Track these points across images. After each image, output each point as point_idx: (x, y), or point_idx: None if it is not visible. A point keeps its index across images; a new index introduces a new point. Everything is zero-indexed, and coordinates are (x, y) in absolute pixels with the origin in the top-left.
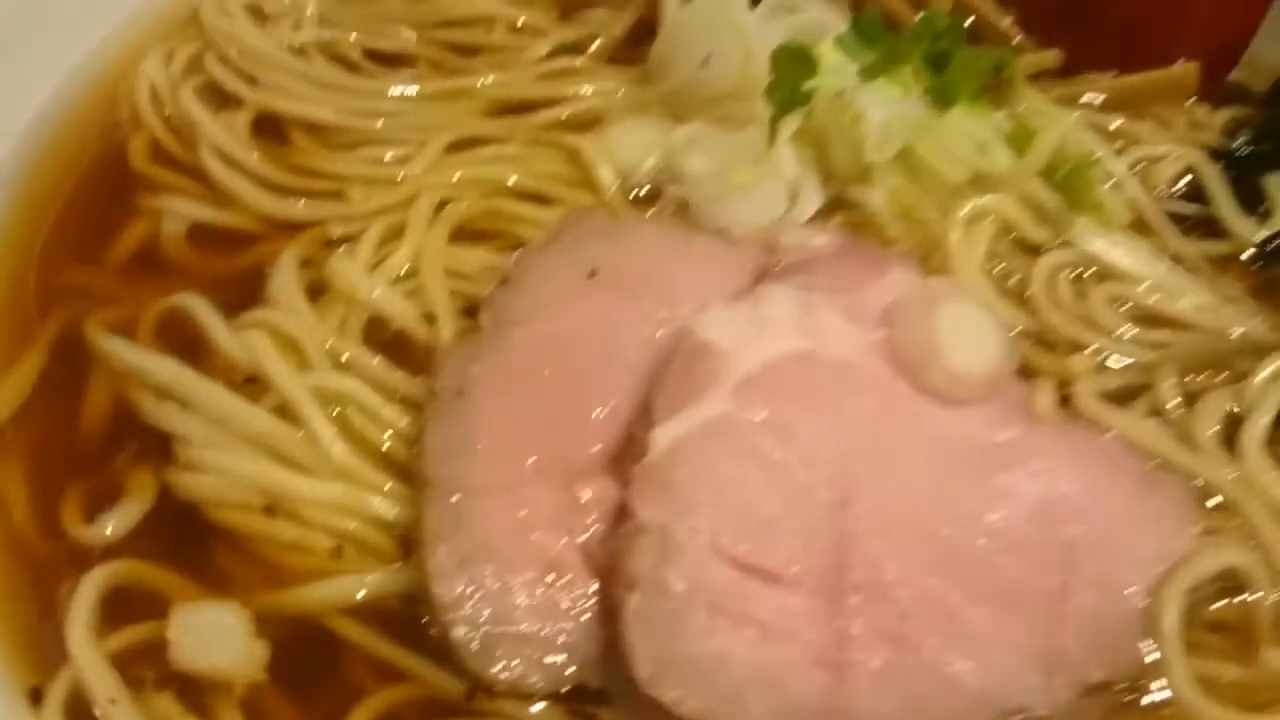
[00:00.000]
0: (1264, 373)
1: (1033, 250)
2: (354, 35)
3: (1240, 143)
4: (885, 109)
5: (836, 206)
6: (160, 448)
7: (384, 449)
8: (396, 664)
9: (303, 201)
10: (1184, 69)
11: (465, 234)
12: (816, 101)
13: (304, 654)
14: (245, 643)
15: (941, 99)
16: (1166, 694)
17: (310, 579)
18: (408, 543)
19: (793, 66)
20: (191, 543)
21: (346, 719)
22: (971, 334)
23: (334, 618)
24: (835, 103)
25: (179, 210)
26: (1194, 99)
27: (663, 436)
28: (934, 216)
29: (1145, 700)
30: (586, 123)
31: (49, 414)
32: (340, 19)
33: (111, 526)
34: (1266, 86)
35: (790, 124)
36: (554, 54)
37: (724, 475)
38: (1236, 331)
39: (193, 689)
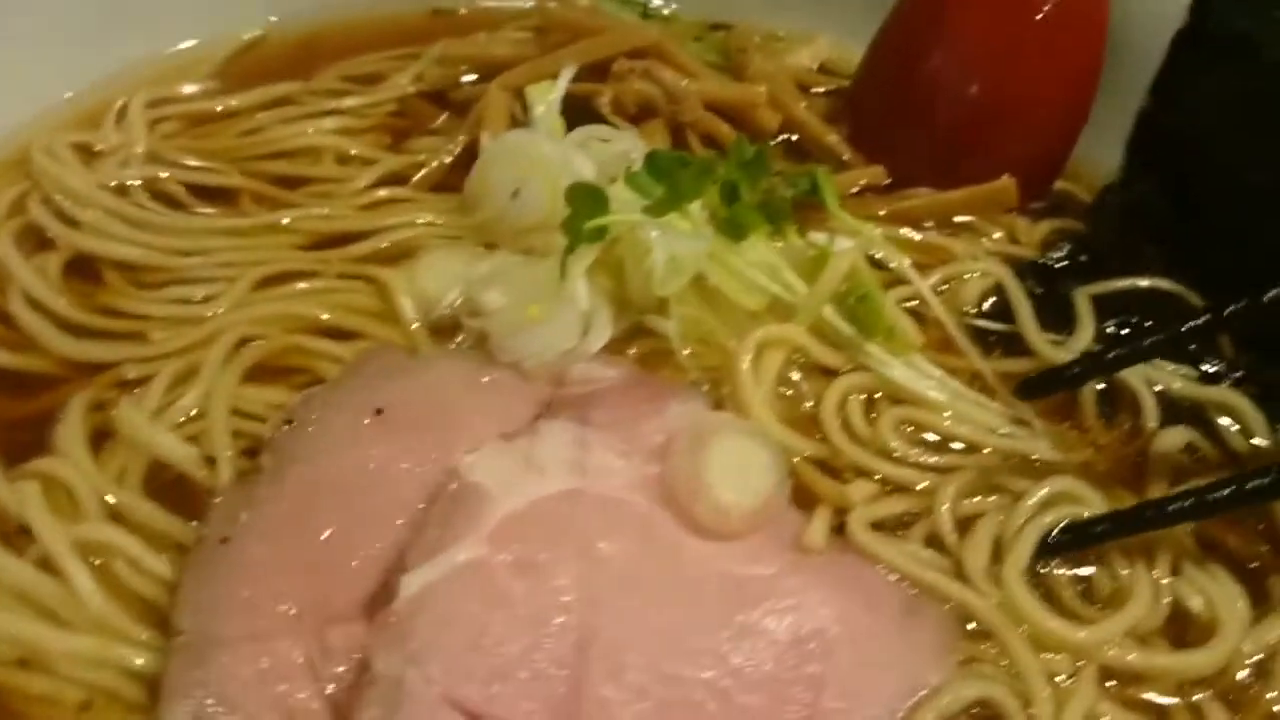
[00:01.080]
0: (1033, 498)
1: (830, 374)
2: (178, 171)
3: (1056, 256)
4: (673, 243)
5: (634, 335)
6: None
7: (146, 599)
8: None
9: (103, 344)
10: (1003, 183)
11: (264, 372)
12: (614, 235)
13: None
14: None
15: (731, 232)
16: None
17: None
18: (155, 694)
19: (584, 203)
20: None
21: None
22: (741, 468)
23: None
24: (629, 236)
25: None
26: (1014, 211)
27: (412, 583)
28: (728, 344)
29: None
30: (401, 253)
31: None
32: (168, 155)
33: None
34: (1091, 195)
35: (583, 258)
36: (378, 184)
37: (467, 621)
38: (1021, 453)
39: None
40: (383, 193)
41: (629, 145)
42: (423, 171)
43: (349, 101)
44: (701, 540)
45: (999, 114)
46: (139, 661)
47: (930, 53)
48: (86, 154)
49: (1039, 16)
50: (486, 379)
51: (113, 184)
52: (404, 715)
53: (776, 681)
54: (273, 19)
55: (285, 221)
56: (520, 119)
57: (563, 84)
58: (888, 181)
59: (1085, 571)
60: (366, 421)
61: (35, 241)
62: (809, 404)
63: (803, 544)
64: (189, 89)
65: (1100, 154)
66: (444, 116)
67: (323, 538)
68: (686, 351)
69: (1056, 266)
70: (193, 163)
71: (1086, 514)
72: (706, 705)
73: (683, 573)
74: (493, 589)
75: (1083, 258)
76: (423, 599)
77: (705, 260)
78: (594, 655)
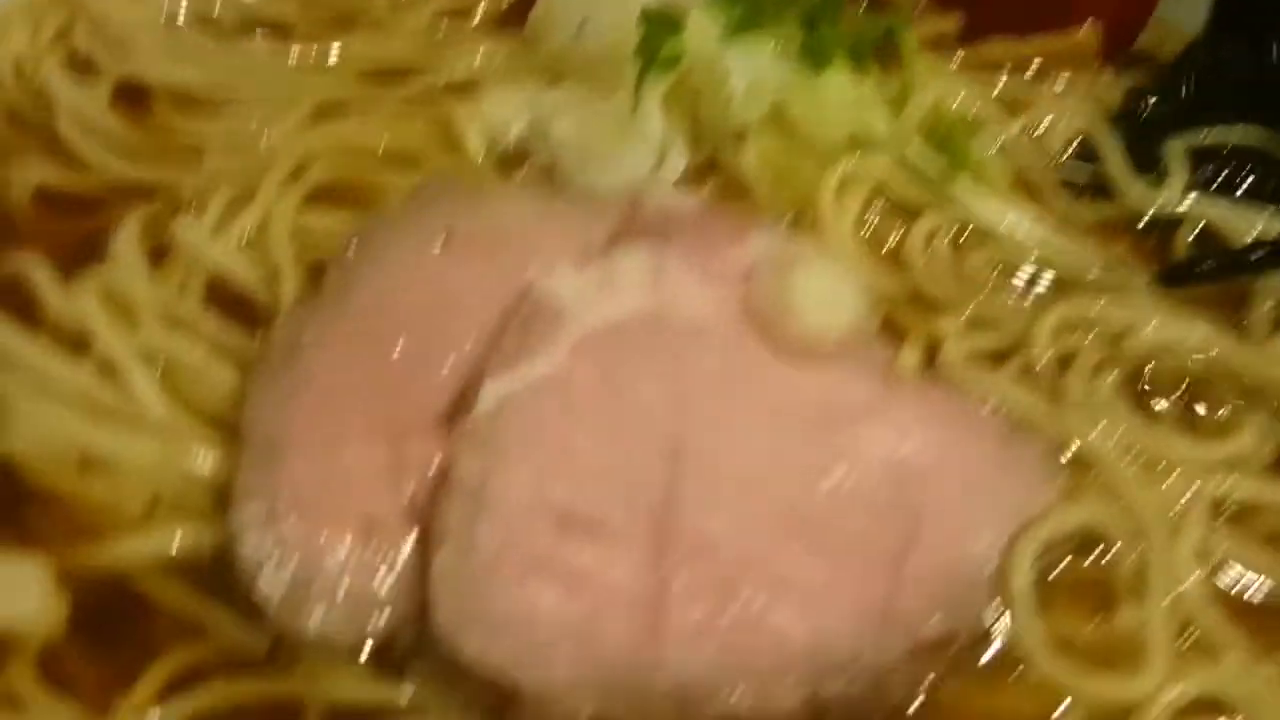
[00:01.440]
0: (1142, 331)
1: (912, 212)
2: (228, 7)
3: (1141, 106)
4: (753, 69)
5: (708, 169)
6: None
7: (210, 408)
8: (201, 620)
9: (157, 165)
10: (1086, 34)
11: (323, 198)
12: (687, 63)
13: (109, 611)
14: (43, 597)
15: (814, 60)
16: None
17: (119, 535)
18: (223, 500)
19: (658, 28)
20: (4, 503)
21: (143, 676)
22: (828, 293)
23: (141, 574)
24: (706, 64)
25: (25, 173)
26: (1097, 64)
27: (491, 392)
28: (807, 179)
29: (988, 658)
30: (462, 89)
31: None
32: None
33: None
34: (1173, 52)
35: (657, 86)
36: (436, 20)
37: (551, 431)
38: (1115, 288)
39: None
40: (443, 28)
41: None
42: (482, 7)
43: None
44: (789, 366)
45: None
46: (205, 467)
47: None
48: None
49: None
50: (556, 208)
51: (162, 14)
52: (487, 519)
53: (873, 508)
54: None
55: (341, 53)
56: None
57: None
58: (963, 32)
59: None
60: (434, 246)
61: (81, 69)
62: (892, 241)
63: (893, 374)
64: None
65: (1181, 14)
66: None
67: (393, 355)
68: (763, 187)
69: (1142, 118)
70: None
71: (1190, 342)
72: (803, 526)
73: (772, 395)
74: (576, 401)
75: (1166, 109)
76: (504, 408)
77: (785, 89)
78: (686, 468)
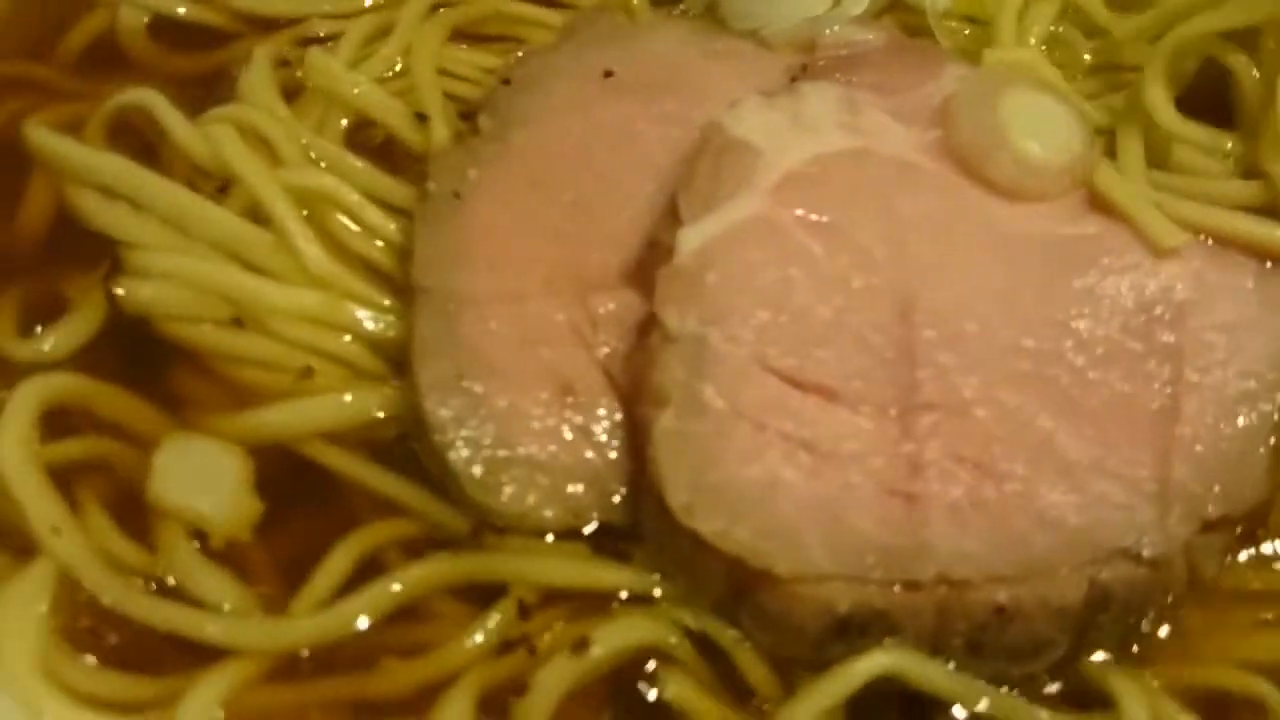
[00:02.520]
0: None
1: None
2: None
3: None
4: None
5: (888, 7)
6: (109, 256)
7: (368, 257)
8: (386, 494)
9: None
10: None
11: (463, 36)
12: None
13: (278, 483)
14: (237, 492)
15: None
16: None
17: (283, 399)
18: (395, 363)
19: None
20: (145, 361)
21: (326, 561)
22: (1043, 120)
23: (312, 443)
24: None
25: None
26: None
27: (692, 237)
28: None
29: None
30: None
31: None
32: None
33: (52, 341)
34: None
35: None
36: None
37: (765, 279)
38: None
39: (135, 517)
40: None
41: None
42: None
43: None
44: (1009, 202)
45: None
46: (371, 323)
47: None
48: None
49: None
50: (722, 45)
51: None
52: (712, 377)
53: (1129, 361)
54: None
55: None
56: None
57: None
58: None
59: None
60: (594, 84)
61: None
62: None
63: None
64: None
65: None
66: None
67: (564, 200)
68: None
69: None
70: None
71: None
72: (1056, 387)
73: (998, 235)
74: (787, 246)
75: None
76: (708, 254)
77: None
78: (919, 321)
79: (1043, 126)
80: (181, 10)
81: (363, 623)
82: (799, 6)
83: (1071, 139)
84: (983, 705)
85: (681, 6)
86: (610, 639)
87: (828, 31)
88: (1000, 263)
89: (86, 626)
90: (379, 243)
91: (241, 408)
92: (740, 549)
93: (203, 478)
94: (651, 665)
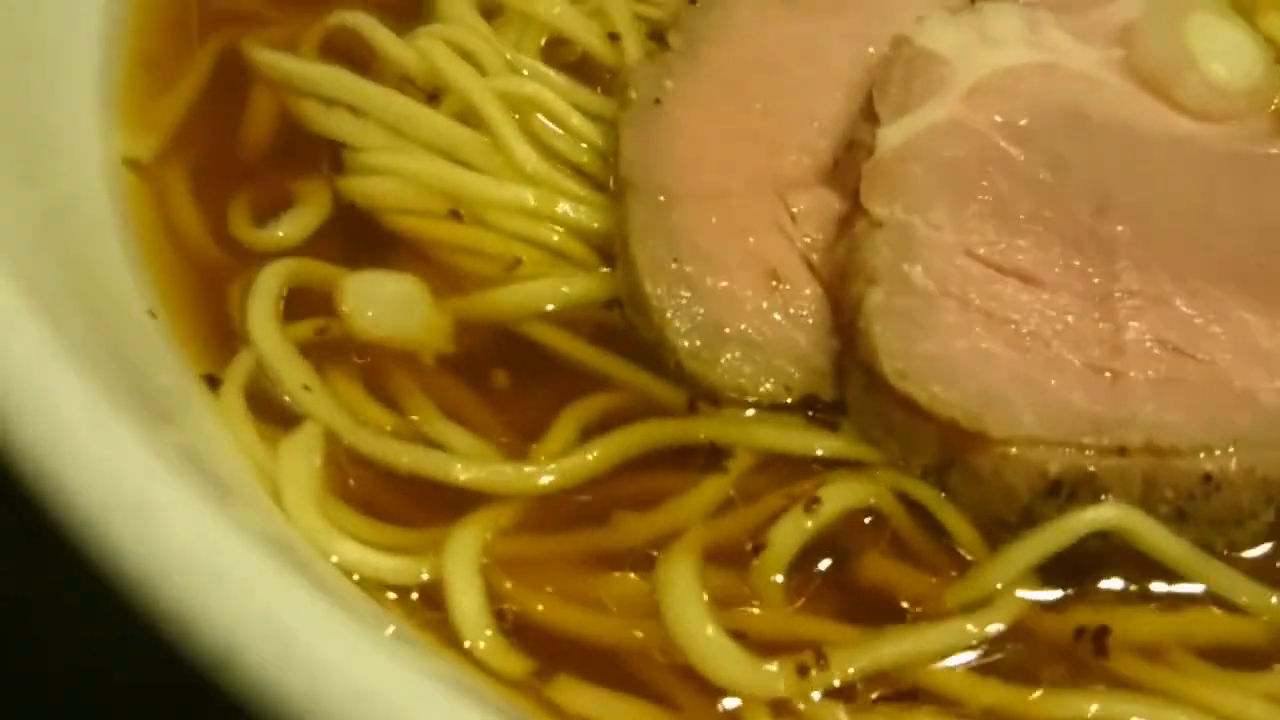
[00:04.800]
0: None
1: None
2: None
3: None
4: None
5: None
6: (331, 156)
7: (573, 159)
8: (605, 371)
9: None
10: None
11: None
12: None
13: (501, 360)
14: (427, 310)
15: None
16: None
17: (504, 282)
18: (605, 254)
19: None
20: (369, 249)
21: (554, 425)
22: (1228, 43)
23: (531, 323)
24: None
25: None
26: None
27: (892, 135)
28: None
29: None
30: None
31: (211, 130)
32: None
33: (284, 231)
34: None
35: None
36: None
37: (964, 173)
38: None
39: (378, 376)
40: None
41: None
42: None
43: None
44: (1195, 121)
45: None
46: (583, 216)
47: None
48: None
49: None
50: None
51: None
52: (919, 258)
53: None
54: None
55: None
56: None
57: None
58: None
59: None
60: (778, 4)
61: None
62: None
63: None
64: None
65: None
66: None
67: (757, 108)
68: None
69: None
70: None
71: None
72: (1255, 277)
73: (1187, 149)
74: (983, 145)
75: None
76: (909, 150)
77: None
78: (1115, 217)
79: (1227, 51)
80: None
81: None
82: None
83: (1255, 65)
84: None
85: None
86: (839, 498)
87: None
88: (1190, 173)
89: (347, 481)
90: (584, 145)
91: (464, 291)
92: (954, 412)
93: (392, 304)
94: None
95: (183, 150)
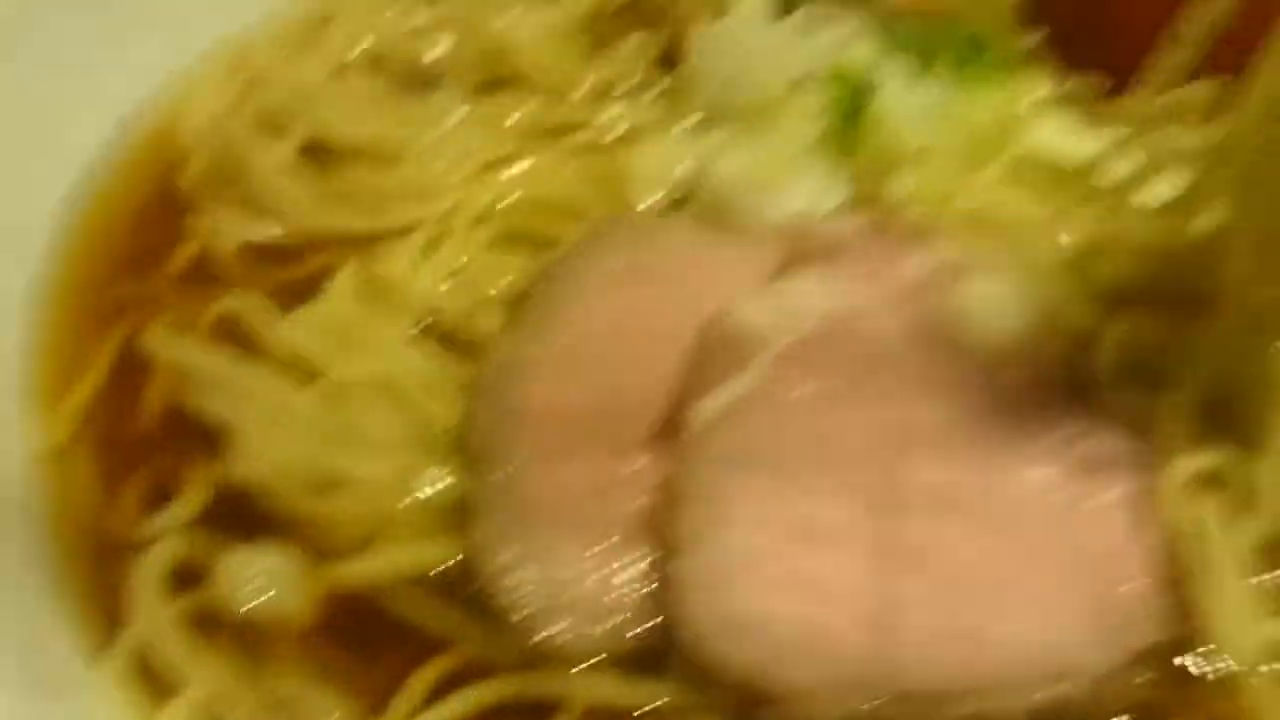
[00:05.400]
0: None
1: None
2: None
3: None
4: (910, 106)
5: (867, 196)
6: (216, 440)
7: (437, 428)
8: (454, 632)
9: (350, 213)
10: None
11: (504, 242)
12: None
13: (362, 625)
14: (297, 582)
15: (967, 85)
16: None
17: (363, 553)
18: (462, 515)
19: (846, 85)
20: (247, 526)
21: (407, 683)
22: (1000, 301)
23: (389, 589)
24: (869, 102)
25: (229, 228)
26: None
27: (706, 409)
28: (960, 196)
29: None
30: (621, 141)
31: (110, 417)
32: (385, 51)
33: (172, 512)
34: None
35: (819, 123)
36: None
37: (769, 442)
38: None
39: (253, 645)
40: (598, 84)
41: (849, 29)
42: (633, 65)
43: (545, 13)
44: (978, 372)
45: None
46: (440, 484)
47: None
48: (302, 53)
49: None
50: (727, 239)
51: (331, 67)
52: (725, 527)
53: (1085, 503)
54: None
55: (507, 113)
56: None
57: None
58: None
59: None
60: (621, 279)
61: (265, 130)
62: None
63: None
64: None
65: None
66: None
67: (597, 376)
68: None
69: None
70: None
71: None
72: (1021, 527)
73: (970, 397)
74: (786, 414)
75: None
76: (721, 423)
77: (941, 119)
78: (904, 477)
79: (1001, 306)
80: (265, 234)
81: None
82: (789, 202)
83: (1021, 319)
84: None
85: (689, 206)
86: None
87: (814, 225)
88: (972, 425)
89: None
90: (446, 415)
91: (330, 561)
92: (744, 671)
93: (268, 578)
94: None
95: (84, 437)
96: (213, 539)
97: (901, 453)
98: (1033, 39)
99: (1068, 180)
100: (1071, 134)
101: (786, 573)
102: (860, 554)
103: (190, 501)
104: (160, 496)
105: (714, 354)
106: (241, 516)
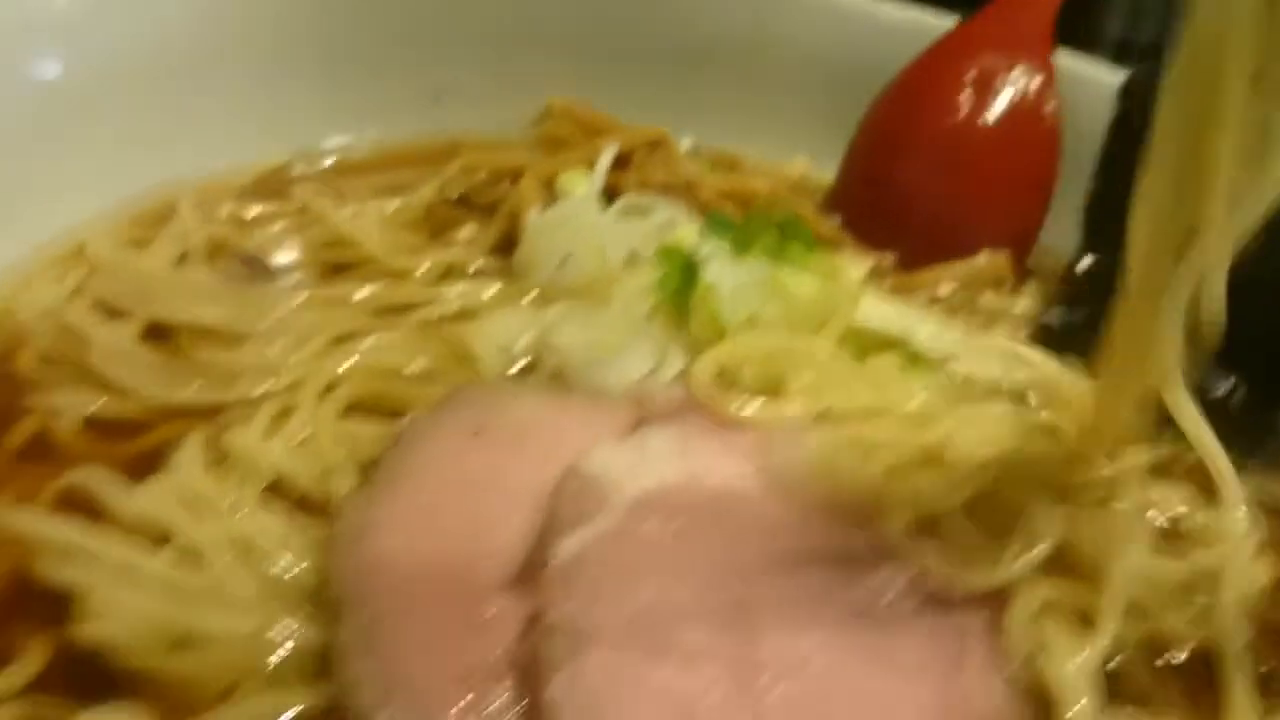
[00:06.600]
0: None
1: None
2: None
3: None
4: (735, 280)
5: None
6: (62, 606)
7: (290, 584)
8: None
9: (195, 388)
10: (995, 258)
11: (355, 411)
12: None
13: None
14: None
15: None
16: None
17: (218, 709)
18: (322, 665)
19: (677, 267)
20: (97, 688)
21: None
22: (832, 458)
23: None
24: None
25: (70, 404)
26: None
27: (563, 549)
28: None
29: None
30: (463, 316)
31: None
32: (223, 240)
33: (10, 679)
34: (1059, 272)
35: (650, 299)
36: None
37: (626, 574)
38: None
39: None
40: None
41: (671, 214)
42: (468, 251)
43: (383, 205)
44: (819, 519)
45: (966, 214)
46: (297, 636)
47: (895, 166)
48: (141, 245)
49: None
50: (571, 401)
51: (175, 258)
52: (592, 650)
53: (927, 619)
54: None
55: (350, 294)
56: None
57: (605, 162)
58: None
59: None
60: (468, 438)
61: (106, 315)
62: None
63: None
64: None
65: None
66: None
67: (450, 531)
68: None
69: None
70: (248, 245)
71: None
72: (869, 643)
73: (812, 540)
74: (643, 550)
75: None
76: (578, 561)
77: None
78: (755, 603)
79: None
80: (107, 408)
81: None
82: (628, 371)
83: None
84: None
85: (532, 376)
86: None
87: (654, 389)
88: (816, 557)
89: None
90: (299, 570)
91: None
92: None
93: None
94: None
95: None
96: (59, 703)
97: (752, 585)
98: (833, 224)
99: (898, 350)
100: (889, 306)
101: (654, 692)
102: (721, 669)
103: (30, 664)
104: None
105: (571, 498)
106: (89, 679)
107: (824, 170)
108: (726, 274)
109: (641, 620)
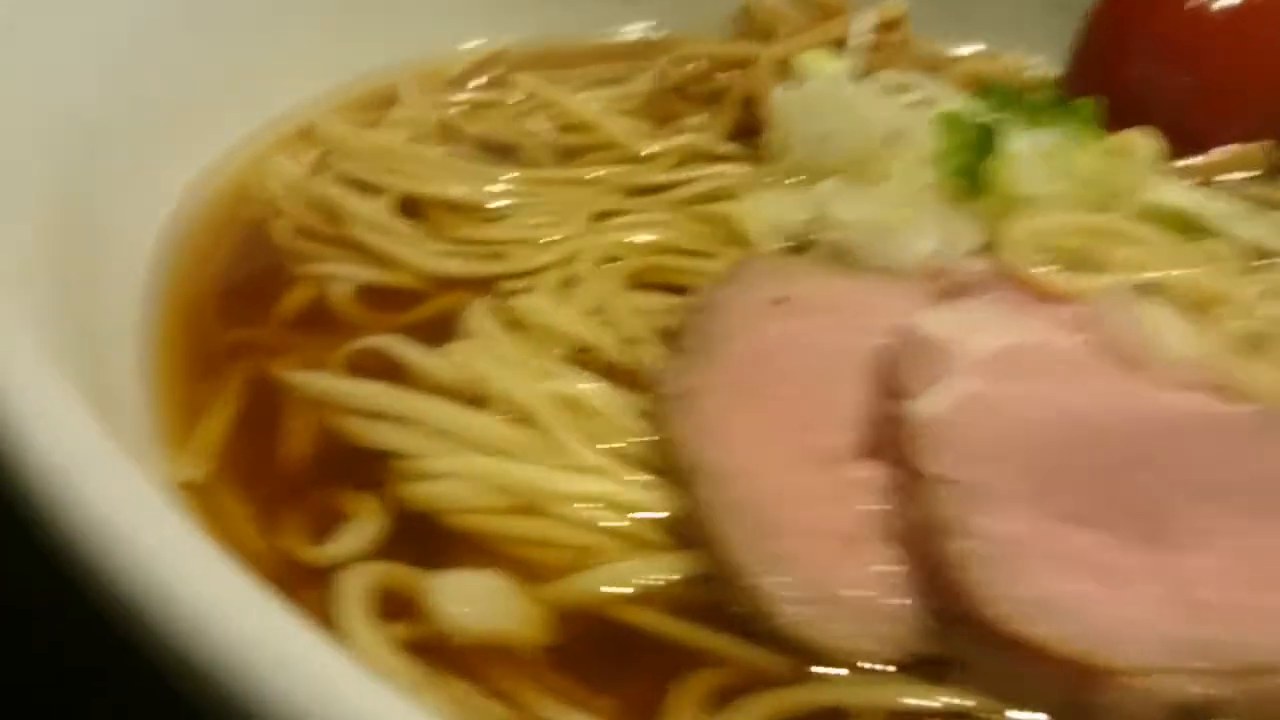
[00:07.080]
0: None
1: None
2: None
3: None
4: (1034, 152)
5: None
6: (377, 468)
7: (626, 450)
8: (703, 646)
9: (465, 259)
10: (1247, 150)
11: (634, 284)
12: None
13: (598, 645)
14: (519, 603)
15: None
16: None
17: (583, 572)
18: (675, 535)
19: (962, 134)
20: (434, 553)
21: (667, 703)
22: (1172, 327)
23: (620, 607)
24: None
25: (342, 273)
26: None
27: (924, 407)
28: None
29: None
30: (716, 197)
31: (253, 454)
32: (455, 124)
33: (346, 543)
34: None
35: (941, 172)
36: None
37: (999, 433)
38: None
39: (481, 673)
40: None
41: (932, 90)
42: (707, 136)
43: (603, 92)
44: (1167, 388)
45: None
46: (648, 501)
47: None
48: (369, 127)
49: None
50: (870, 273)
51: (407, 138)
52: (986, 510)
53: None
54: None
55: (591, 175)
56: None
57: (865, 29)
58: None
59: None
60: (771, 308)
61: (356, 188)
62: None
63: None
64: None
65: None
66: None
67: (779, 397)
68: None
69: None
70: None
71: None
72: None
73: (1173, 409)
74: (1007, 411)
75: None
76: (944, 418)
77: (1060, 165)
78: (1142, 476)
79: (1173, 331)
80: (381, 277)
81: None
82: (913, 247)
83: (1191, 339)
84: None
85: (814, 252)
86: None
87: (949, 264)
88: (1184, 426)
89: None
90: (631, 439)
91: (536, 583)
92: (1068, 649)
93: (482, 600)
94: None
95: (230, 473)
96: (406, 565)
97: (1132, 449)
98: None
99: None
100: (1180, 183)
101: (1069, 555)
102: (1136, 540)
103: (366, 527)
104: (326, 529)
105: (914, 361)
106: (428, 544)
107: (1042, 63)
108: (1025, 145)
109: (1030, 486)
